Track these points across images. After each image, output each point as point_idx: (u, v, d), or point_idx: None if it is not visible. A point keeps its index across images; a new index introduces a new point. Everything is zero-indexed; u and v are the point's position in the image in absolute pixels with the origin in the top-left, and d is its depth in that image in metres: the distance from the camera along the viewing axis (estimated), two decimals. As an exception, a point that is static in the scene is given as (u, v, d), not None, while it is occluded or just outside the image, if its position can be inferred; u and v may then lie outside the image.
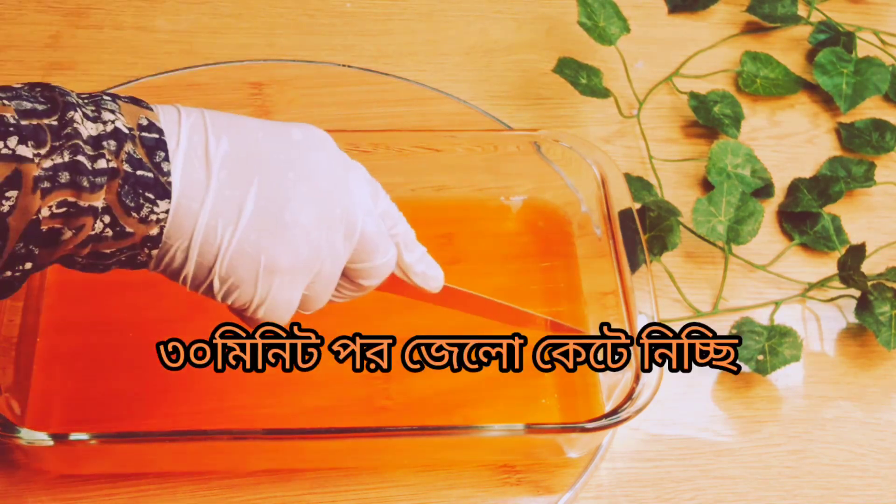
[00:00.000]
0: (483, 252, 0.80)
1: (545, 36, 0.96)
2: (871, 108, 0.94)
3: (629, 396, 0.65)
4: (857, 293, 0.79)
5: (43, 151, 0.48)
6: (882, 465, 0.75)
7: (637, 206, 0.78)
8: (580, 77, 0.88)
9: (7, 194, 0.47)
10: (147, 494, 0.69)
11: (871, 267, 0.82)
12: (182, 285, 0.55)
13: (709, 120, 0.89)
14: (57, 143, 0.49)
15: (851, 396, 0.78)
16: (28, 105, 0.49)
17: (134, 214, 0.51)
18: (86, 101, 0.52)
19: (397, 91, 0.90)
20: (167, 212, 0.52)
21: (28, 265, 0.50)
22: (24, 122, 0.48)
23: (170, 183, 0.52)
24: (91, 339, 0.73)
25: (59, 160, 0.49)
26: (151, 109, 0.54)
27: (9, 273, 0.50)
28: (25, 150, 0.48)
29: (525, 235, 0.81)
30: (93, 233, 0.51)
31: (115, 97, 0.53)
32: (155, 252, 0.53)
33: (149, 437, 0.65)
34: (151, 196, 0.51)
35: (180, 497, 0.69)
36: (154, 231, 0.52)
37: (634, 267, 0.71)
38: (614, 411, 0.65)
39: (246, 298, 0.55)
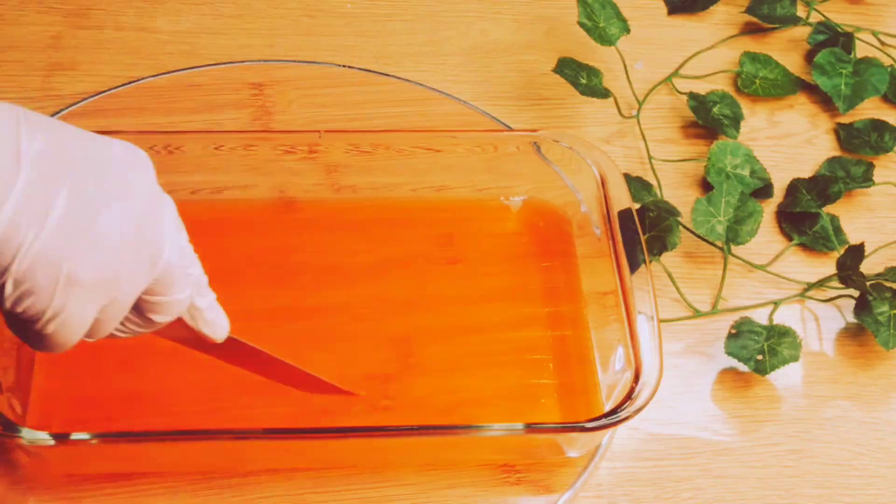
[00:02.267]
0: (483, 252, 0.80)
1: (545, 36, 0.97)
2: (870, 109, 0.94)
3: (629, 396, 0.66)
4: (856, 293, 0.80)
5: None
6: (881, 465, 0.75)
7: (636, 206, 0.78)
8: (580, 77, 0.88)
9: None
10: (147, 494, 0.69)
11: (869, 267, 0.82)
12: None
13: (708, 120, 0.89)
14: None
15: (850, 396, 0.78)
16: None
17: None
18: None
19: (397, 91, 0.90)
20: None
21: None
22: None
23: None
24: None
25: None
26: None
27: None
28: None
29: (525, 235, 0.81)
30: None
31: None
32: None
33: (149, 437, 0.65)
34: None
35: (180, 497, 0.69)
36: None
37: (634, 267, 0.71)
38: (614, 411, 0.65)
39: (39, 307, 0.50)
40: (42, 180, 0.49)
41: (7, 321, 0.54)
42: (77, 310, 0.51)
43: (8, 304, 0.51)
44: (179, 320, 0.59)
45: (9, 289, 0.50)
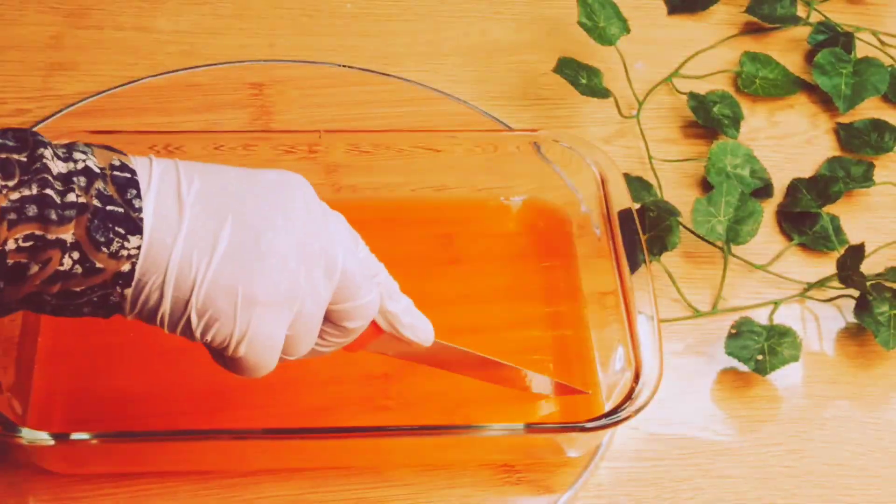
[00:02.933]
0: (483, 252, 0.80)
1: (545, 36, 0.96)
2: (870, 109, 0.94)
3: (629, 396, 0.66)
4: (856, 293, 0.80)
5: (11, 184, 0.48)
6: (881, 465, 0.75)
7: (636, 206, 0.78)
8: (580, 77, 0.88)
9: None
10: (147, 494, 0.69)
11: (869, 267, 0.82)
12: (160, 327, 0.54)
13: (708, 120, 0.89)
14: (25, 177, 0.48)
15: (850, 396, 0.78)
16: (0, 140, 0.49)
17: (104, 249, 0.50)
18: (58, 144, 0.52)
19: (397, 91, 0.90)
20: (139, 248, 0.51)
21: None
22: None
23: (141, 219, 0.51)
24: (91, 339, 0.73)
25: (27, 192, 0.48)
26: (125, 154, 0.54)
27: None
28: None
29: (525, 235, 0.81)
30: (61, 268, 0.50)
31: (88, 144, 0.53)
32: (128, 291, 0.52)
33: (149, 437, 0.65)
34: (122, 231, 0.51)
35: (180, 497, 0.69)
36: (125, 267, 0.51)
37: (634, 267, 0.71)
38: (614, 411, 0.65)
39: (226, 332, 0.54)
40: (205, 214, 0.53)
41: (211, 353, 0.57)
42: (262, 328, 0.54)
43: (198, 335, 0.54)
44: (385, 333, 0.61)
45: (194, 320, 0.53)
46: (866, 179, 0.88)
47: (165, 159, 0.54)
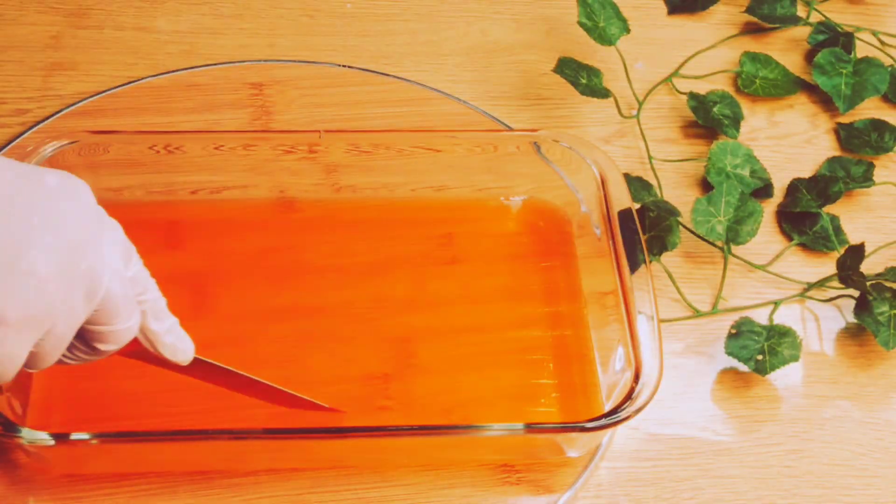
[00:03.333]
0: (483, 252, 0.80)
1: (545, 36, 0.97)
2: (870, 109, 0.94)
3: (628, 396, 0.66)
4: (856, 293, 0.80)
5: None
6: (881, 465, 0.75)
7: (636, 206, 0.78)
8: (580, 77, 0.88)
9: None
10: (147, 494, 0.69)
11: (869, 267, 0.82)
12: None
13: (708, 120, 0.89)
14: None
15: (850, 396, 0.78)
16: None
17: None
18: None
19: (397, 91, 0.90)
20: None
21: None
22: None
23: None
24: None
25: None
26: None
27: None
28: None
29: (525, 235, 0.81)
30: None
31: None
32: None
33: (149, 437, 0.65)
34: None
35: (180, 497, 0.69)
36: None
37: (634, 267, 0.71)
38: (614, 411, 0.65)
39: None
40: None
41: None
42: (4, 348, 0.50)
43: None
44: (140, 343, 0.59)
45: None
46: (866, 179, 0.88)
47: None
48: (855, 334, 0.81)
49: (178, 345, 0.60)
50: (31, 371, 0.54)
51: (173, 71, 0.89)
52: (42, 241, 0.50)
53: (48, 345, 0.52)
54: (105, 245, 0.53)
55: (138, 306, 0.56)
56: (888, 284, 0.78)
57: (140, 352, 0.60)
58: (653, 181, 0.87)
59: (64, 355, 0.55)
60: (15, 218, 0.49)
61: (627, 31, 0.90)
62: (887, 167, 0.91)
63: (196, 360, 0.63)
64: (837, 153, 0.91)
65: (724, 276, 0.82)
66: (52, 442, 0.62)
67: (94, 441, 0.62)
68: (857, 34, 0.97)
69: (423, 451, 0.71)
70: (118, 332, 0.55)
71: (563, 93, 0.91)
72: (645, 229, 0.81)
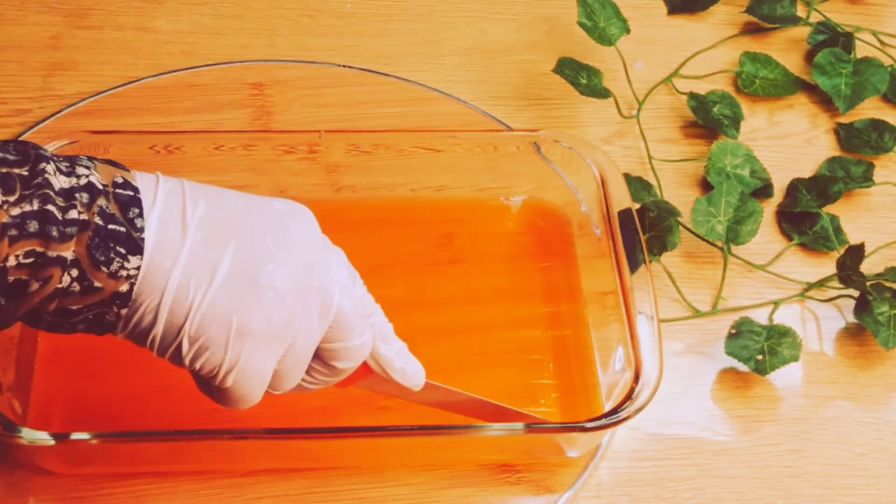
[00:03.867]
0: (483, 252, 0.80)
1: (545, 36, 0.97)
2: (870, 109, 0.94)
3: (629, 396, 0.66)
4: (856, 293, 0.80)
5: (11, 199, 0.47)
6: (881, 465, 0.75)
7: (636, 206, 0.78)
8: (580, 77, 0.88)
9: None
10: (147, 494, 0.69)
11: (869, 267, 0.82)
12: (150, 350, 0.54)
13: (708, 120, 0.89)
14: (27, 192, 0.47)
15: (850, 396, 0.78)
16: (2, 154, 0.48)
17: (103, 269, 0.49)
18: (61, 158, 0.51)
19: (397, 91, 0.90)
20: (138, 268, 0.50)
21: None
22: None
23: (142, 239, 0.51)
24: (91, 339, 0.72)
25: (28, 208, 0.47)
26: (129, 171, 0.53)
27: None
28: None
29: (525, 235, 0.81)
30: (60, 286, 0.49)
31: (92, 158, 0.52)
32: (124, 311, 0.52)
33: (149, 437, 0.65)
34: (123, 251, 0.50)
35: (180, 497, 0.69)
36: (124, 288, 0.51)
37: (634, 267, 0.71)
38: (614, 411, 0.65)
39: (215, 362, 0.53)
40: (207, 241, 0.52)
41: (196, 382, 0.57)
42: (253, 361, 0.54)
43: (187, 362, 0.53)
44: (375, 374, 0.61)
45: (185, 347, 0.53)
46: (866, 179, 0.88)
47: (172, 178, 0.54)
48: (855, 334, 0.81)
49: (408, 368, 0.62)
50: (275, 392, 0.57)
51: (173, 71, 0.89)
52: (276, 257, 0.53)
53: (291, 360, 0.56)
54: (332, 265, 0.57)
55: (369, 324, 0.59)
56: (888, 284, 0.78)
57: (372, 380, 0.62)
58: (653, 181, 0.87)
59: (304, 379, 0.58)
60: (252, 238, 0.53)
61: (627, 31, 0.90)
62: (887, 167, 0.91)
63: (428, 385, 0.64)
64: (837, 153, 0.91)
65: (724, 276, 0.82)
66: (52, 442, 0.62)
67: (94, 441, 0.62)
68: (856, 34, 0.97)
69: (423, 451, 0.71)
70: (353, 349, 0.58)
71: (563, 93, 0.91)
72: (645, 229, 0.81)
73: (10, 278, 0.48)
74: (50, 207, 0.48)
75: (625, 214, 0.74)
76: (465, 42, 0.96)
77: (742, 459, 0.74)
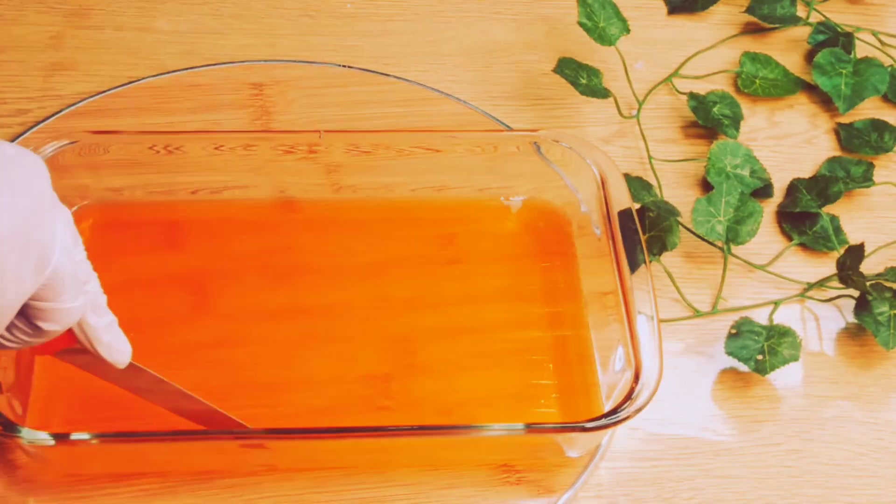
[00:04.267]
0: (483, 252, 0.80)
1: (545, 36, 0.97)
2: (870, 109, 0.94)
3: (628, 396, 0.66)
4: (856, 293, 0.80)
5: None
6: (881, 465, 0.75)
7: (636, 206, 0.78)
8: (580, 77, 0.88)
9: None
10: (147, 494, 0.69)
11: (869, 267, 0.82)
12: None
13: (708, 120, 0.89)
14: None
15: (850, 396, 0.78)
16: None
17: None
18: None
19: (397, 91, 0.90)
20: None
21: None
22: None
23: None
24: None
25: None
26: None
27: None
28: None
29: (525, 235, 0.81)
30: None
31: None
32: None
33: (149, 437, 0.65)
34: None
35: (180, 497, 0.69)
36: None
37: (634, 267, 0.71)
38: (614, 411, 0.65)
39: None
40: None
41: None
42: None
43: None
44: (80, 345, 0.58)
45: None
46: (866, 179, 0.88)
47: None
48: (855, 334, 0.81)
49: (115, 344, 0.60)
50: None
51: (174, 71, 0.89)
52: None
53: None
54: (57, 223, 0.53)
55: (84, 291, 0.56)
56: (888, 284, 0.78)
57: (75, 351, 0.59)
58: (653, 181, 0.87)
59: (2, 335, 0.55)
60: None
61: (627, 31, 0.90)
62: (887, 167, 0.91)
63: (133, 367, 0.61)
64: (837, 153, 0.91)
65: (724, 276, 0.82)
66: (52, 442, 0.62)
67: (94, 441, 0.62)
68: (856, 34, 0.97)
69: (423, 451, 0.71)
70: (62, 312, 0.55)
71: (563, 93, 0.91)
72: (645, 229, 0.81)
73: None
74: None
75: (625, 214, 0.74)
76: (465, 42, 0.96)
77: (742, 459, 0.74)
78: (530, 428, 0.66)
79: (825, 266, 0.84)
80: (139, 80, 0.89)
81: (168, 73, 0.89)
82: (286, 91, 0.89)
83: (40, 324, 0.55)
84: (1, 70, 0.88)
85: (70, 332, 0.58)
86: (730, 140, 0.88)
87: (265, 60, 0.91)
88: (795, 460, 0.75)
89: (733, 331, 0.77)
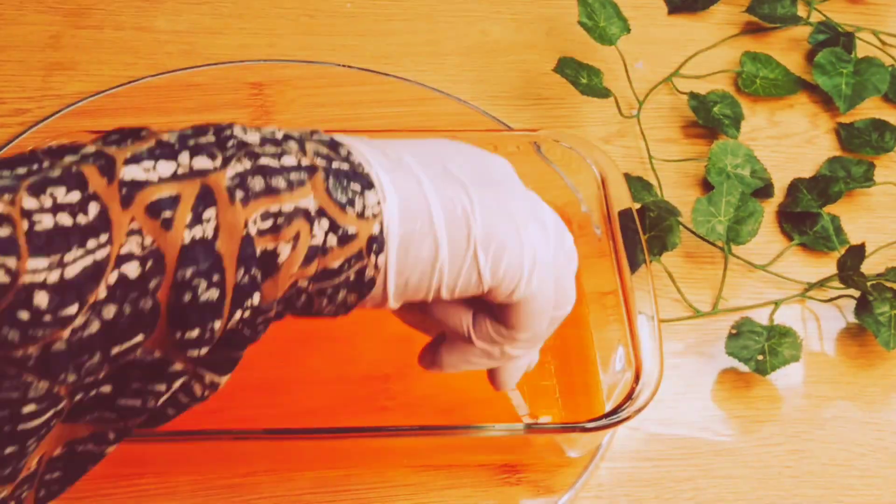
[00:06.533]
0: (483, 252, 0.80)
1: (545, 36, 0.96)
2: (871, 109, 0.94)
3: (629, 396, 0.66)
4: (857, 293, 0.80)
5: (217, 164, 0.41)
6: (881, 465, 0.75)
7: (637, 206, 0.78)
8: (580, 77, 0.88)
9: (205, 215, 0.40)
10: (147, 494, 0.69)
11: (870, 267, 0.82)
12: (429, 295, 0.49)
13: (708, 120, 0.89)
14: (228, 154, 0.42)
15: (851, 396, 0.78)
16: (178, 132, 0.43)
17: (350, 210, 0.44)
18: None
19: (397, 91, 0.90)
20: (378, 203, 0.45)
21: (256, 300, 0.42)
22: (186, 143, 0.42)
23: (367, 173, 0.46)
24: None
25: (240, 168, 0.42)
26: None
27: (239, 315, 0.42)
28: (204, 162, 0.41)
29: (525, 235, 0.81)
30: (314, 243, 0.44)
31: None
32: (382, 259, 0.46)
33: (149, 437, 0.65)
34: (357, 187, 0.45)
35: (180, 497, 0.69)
36: (375, 229, 0.45)
37: (634, 267, 0.71)
38: (614, 411, 0.65)
39: (515, 261, 0.48)
40: (424, 162, 0.49)
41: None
42: (540, 249, 0.51)
43: (487, 276, 0.49)
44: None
45: (482, 258, 0.48)
46: (867, 179, 0.88)
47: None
48: (855, 334, 0.81)
49: (503, 379, 0.60)
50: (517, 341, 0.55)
51: (173, 71, 0.89)
52: (513, 187, 0.53)
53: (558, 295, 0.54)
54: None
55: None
56: (889, 284, 0.78)
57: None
58: (653, 181, 0.87)
59: (481, 345, 0.55)
60: (475, 159, 0.53)
61: (628, 30, 0.90)
62: (888, 167, 0.90)
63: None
64: (838, 153, 0.91)
65: (724, 276, 0.82)
66: (52, 442, 0.62)
67: (93, 441, 0.62)
68: (857, 34, 0.97)
69: (423, 451, 0.71)
70: (558, 319, 0.57)
71: (563, 93, 0.91)
72: (645, 229, 0.81)
73: (258, 248, 0.42)
74: (264, 161, 0.42)
75: (625, 214, 0.74)
76: (465, 42, 0.95)
77: (742, 459, 0.74)
78: (530, 428, 0.66)
79: (826, 266, 0.84)
80: (138, 79, 0.89)
81: (167, 72, 0.89)
82: (286, 91, 0.89)
83: (519, 334, 0.53)
84: (1, 70, 0.88)
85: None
86: (730, 140, 0.88)
87: (265, 60, 0.91)
88: (796, 460, 0.75)
89: (734, 331, 0.77)
